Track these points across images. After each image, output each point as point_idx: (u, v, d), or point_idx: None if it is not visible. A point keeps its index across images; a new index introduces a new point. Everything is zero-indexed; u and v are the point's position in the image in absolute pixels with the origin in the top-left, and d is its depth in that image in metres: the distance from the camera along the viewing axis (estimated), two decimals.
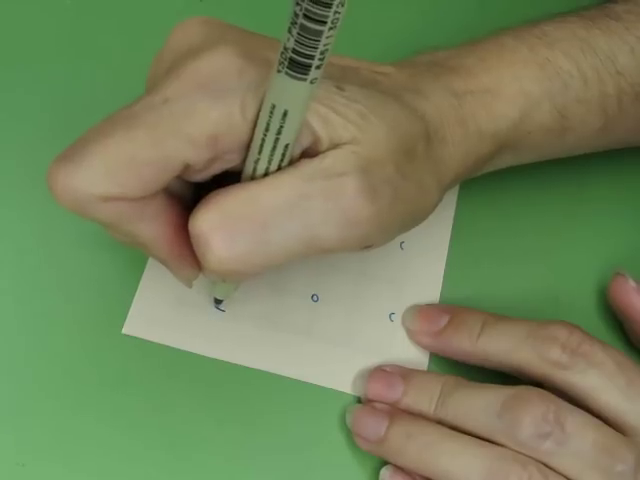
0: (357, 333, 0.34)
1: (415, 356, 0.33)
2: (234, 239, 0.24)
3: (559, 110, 0.31)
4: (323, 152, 0.25)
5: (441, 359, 0.33)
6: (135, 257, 0.34)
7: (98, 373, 0.32)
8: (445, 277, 0.35)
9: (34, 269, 0.34)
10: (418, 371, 0.32)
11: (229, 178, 0.26)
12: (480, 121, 0.30)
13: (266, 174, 0.25)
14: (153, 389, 0.32)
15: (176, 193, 0.26)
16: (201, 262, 0.25)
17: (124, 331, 0.33)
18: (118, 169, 0.23)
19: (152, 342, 0.32)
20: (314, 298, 0.34)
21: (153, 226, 0.26)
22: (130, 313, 0.33)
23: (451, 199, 0.37)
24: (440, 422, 0.30)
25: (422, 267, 0.35)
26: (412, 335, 0.33)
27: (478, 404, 0.29)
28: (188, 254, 0.26)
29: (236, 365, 0.33)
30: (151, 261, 0.34)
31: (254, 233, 0.24)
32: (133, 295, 0.33)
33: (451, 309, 0.33)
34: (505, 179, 0.36)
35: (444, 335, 0.32)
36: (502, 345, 0.31)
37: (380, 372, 0.32)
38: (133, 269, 0.34)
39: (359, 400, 0.32)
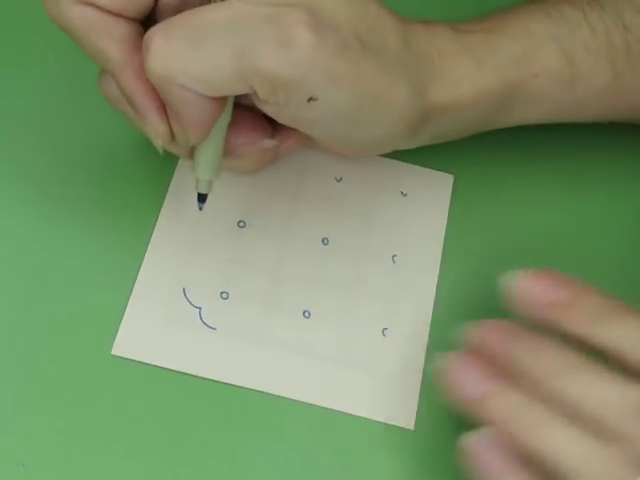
0: (349, 349, 0.34)
1: (409, 373, 0.34)
2: (170, 40, 0.27)
3: (566, 55, 0.32)
4: None
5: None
6: (123, 277, 0.34)
7: (88, 395, 0.32)
8: (439, 285, 0.36)
9: (23, 290, 0.34)
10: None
11: None
12: (480, 53, 0.31)
13: None
14: (143, 410, 0.32)
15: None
16: (145, 69, 0.27)
17: (113, 352, 0.33)
18: None
19: (142, 362, 0.33)
20: (306, 314, 0.35)
21: (120, 48, 0.28)
22: (119, 334, 0.33)
23: (442, 209, 0.37)
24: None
25: (415, 280, 0.36)
26: (519, 298, 0.30)
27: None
28: (155, 92, 0.28)
29: (227, 384, 0.33)
30: (139, 280, 0.34)
31: (190, 39, 0.27)
32: (122, 315, 0.34)
33: (571, 285, 0.30)
34: (499, 181, 0.37)
35: (556, 312, 0.29)
36: (624, 340, 0.28)
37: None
38: (121, 289, 0.34)
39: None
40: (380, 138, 0.32)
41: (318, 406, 0.33)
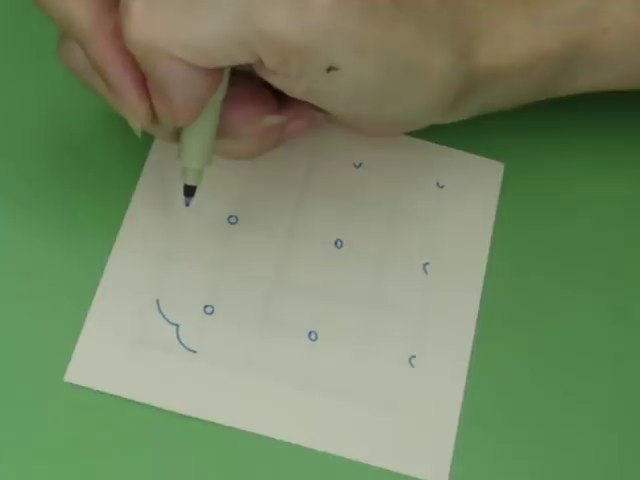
0: (367, 382, 0.32)
1: (442, 414, 0.31)
2: (158, 4, 0.25)
3: None
4: None
5: (474, 415, 0.32)
6: (82, 285, 0.33)
7: (38, 429, 0.30)
8: (483, 302, 0.34)
9: None
10: None
11: None
12: (536, 5, 0.30)
13: None
14: (103, 451, 0.30)
15: None
16: (124, 38, 0.26)
17: (67, 379, 0.31)
18: None
19: (103, 392, 0.31)
20: (311, 336, 0.33)
21: (88, 10, 0.27)
22: (74, 357, 0.31)
23: (489, 206, 0.35)
24: None
25: (452, 296, 0.34)
26: None
27: None
28: (130, 63, 0.27)
29: (210, 423, 0.31)
30: (101, 290, 0.33)
31: (181, 1, 0.25)
32: (78, 334, 0.32)
33: None
34: (561, 170, 0.36)
35: None
36: None
37: None
38: (80, 300, 0.32)
39: None
40: (414, 113, 0.31)
41: (326, 453, 0.31)
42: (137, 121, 0.29)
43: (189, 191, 0.32)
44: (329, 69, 0.27)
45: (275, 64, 0.27)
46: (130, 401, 0.31)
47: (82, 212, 0.34)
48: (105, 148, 0.36)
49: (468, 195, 0.36)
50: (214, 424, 0.31)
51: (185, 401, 0.31)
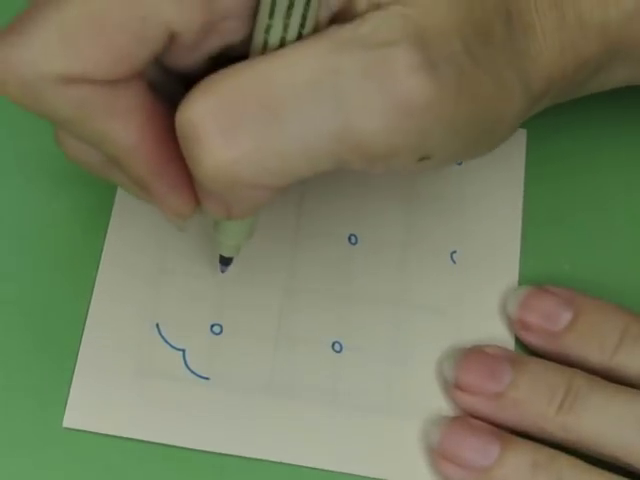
0: (401, 394, 0.30)
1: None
2: (237, 131, 0.22)
3: None
4: (361, 15, 0.23)
5: None
6: (68, 322, 0.30)
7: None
8: None
9: None
10: (533, 359, 0.30)
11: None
12: (583, 7, 0.28)
13: (282, 46, 0.23)
14: None
15: (161, 90, 0.25)
16: (192, 171, 0.23)
17: (66, 424, 0.29)
18: (80, 37, 0.22)
19: (107, 435, 0.29)
20: (336, 347, 0.31)
21: (128, 125, 0.24)
22: (70, 399, 0.29)
23: (515, 178, 0.34)
24: (561, 435, 0.28)
25: (487, 285, 0.32)
26: (517, 328, 0.31)
27: (622, 415, 0.28)
28: (177, 172, 0.25)
29: (230, 456, 0.29)
30: (91, 319, 0.30)
31: (265, 123, 0.22)
32: (72, 372, 0.30)
33: (577, 301, 0.30)
34: (595, 135, 0.34)
35: (564, 340, 0.30)
36: None
37: (480, 354, 0.30)
38: (68, 337, 0.30)
39: None
40: (474, 156, 0.30)
41: (365, 477, 0.29)
42: (179, 220, 0.27)
43: (226, 261, 0.31)
44: (421, 159, 0.25)
45: (362, 167, 0.25)
46: (139, 441, 0.29)
47: (62, 237, 0.32)
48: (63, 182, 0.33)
49: (491, 169, 0.34)
50: (237, 457, 0.29)
51: (201, 435, 0.29)
